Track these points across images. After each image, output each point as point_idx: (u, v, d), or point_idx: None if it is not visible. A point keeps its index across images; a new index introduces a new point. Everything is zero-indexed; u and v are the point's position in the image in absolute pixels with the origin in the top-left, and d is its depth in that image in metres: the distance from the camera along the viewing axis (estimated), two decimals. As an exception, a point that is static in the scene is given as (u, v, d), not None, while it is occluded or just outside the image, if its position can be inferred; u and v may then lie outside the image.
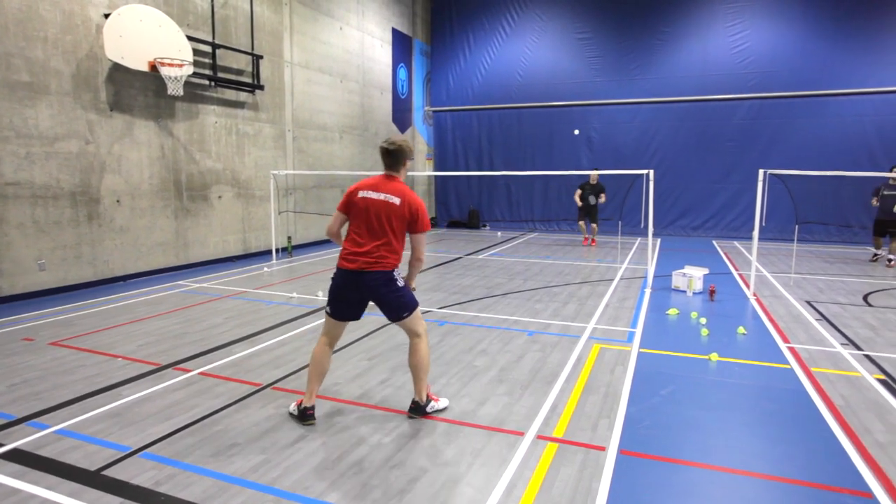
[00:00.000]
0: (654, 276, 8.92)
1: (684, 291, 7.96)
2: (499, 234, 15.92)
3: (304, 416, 3.76)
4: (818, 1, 13.79)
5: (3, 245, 7.12)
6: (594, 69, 15.96)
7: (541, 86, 16.52)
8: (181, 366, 4.92)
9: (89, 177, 8.09)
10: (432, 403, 3.94)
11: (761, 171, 7.67)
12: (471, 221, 17.45)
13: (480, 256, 11.61)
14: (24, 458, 3.31)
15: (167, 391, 4.35)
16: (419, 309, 3.86)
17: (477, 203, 17.79)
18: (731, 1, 14.52)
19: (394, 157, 3.79)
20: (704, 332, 5.98)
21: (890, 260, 10.40)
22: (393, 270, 3.68)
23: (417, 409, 3.90)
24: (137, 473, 3.15)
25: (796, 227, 10.59)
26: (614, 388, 4.44)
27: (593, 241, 13.41)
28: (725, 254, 12.05)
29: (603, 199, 12.97)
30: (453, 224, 17.83)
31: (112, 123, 8.37)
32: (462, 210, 18.03)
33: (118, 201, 8.52)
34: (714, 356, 5.15)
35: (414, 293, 3.90)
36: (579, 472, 3.19)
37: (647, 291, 8.03)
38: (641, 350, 5.40)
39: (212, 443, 3.52)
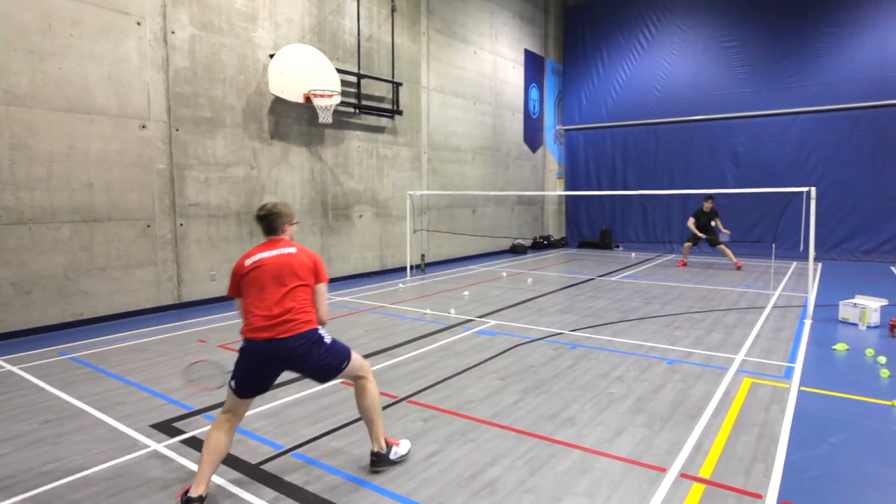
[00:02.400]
0: (816, 306, 7.95)
1: (856, 324, 7.00)
2: (633, 255, 15.22)
3: (383, 460, 3.43)
4: None
5: (185, 258, 8.22)
6: (741, 79, 14.80)
7: (680, 100, 15.66)
8: (326, 373, 5.29)
9: (252, 198, 9.09)
10: (395, 449, 3.49)
11: (958, 188, 6.56)
12: (603, 242, 16.89)
13: (614, 278, 11.17)
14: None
15: (316, 396, 4.70)
16: (355, 352, 3.46)
17: (609, 223, 17.19)
18: (913, -7, 12.73)
19: (268, 222, 3.39)
20: (885, 372, 5.20)
21: None
22: (317, 328, 3.27)
23: (381, 460, 3.42)
24: (289, 471, 3.44)
25: None
26: (770, 429, 4.01)
27: (738, 263, 12.36)
28: (908, 282, 10.42)
29: (721, 226, 12.44)
30: (584, 244, 17.38)
31: (272, 150, 9.35)
32: (594, 230, 17.53)
33: (275, 220, 9.45)
34: (897, 402, 4.45)
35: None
36: (732, 520, 2.91)
37: (807, 322, 7.18)
38: (803, 388, 4.83)
39: (355, 449, 3.73)
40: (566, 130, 17.97)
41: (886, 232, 13.38)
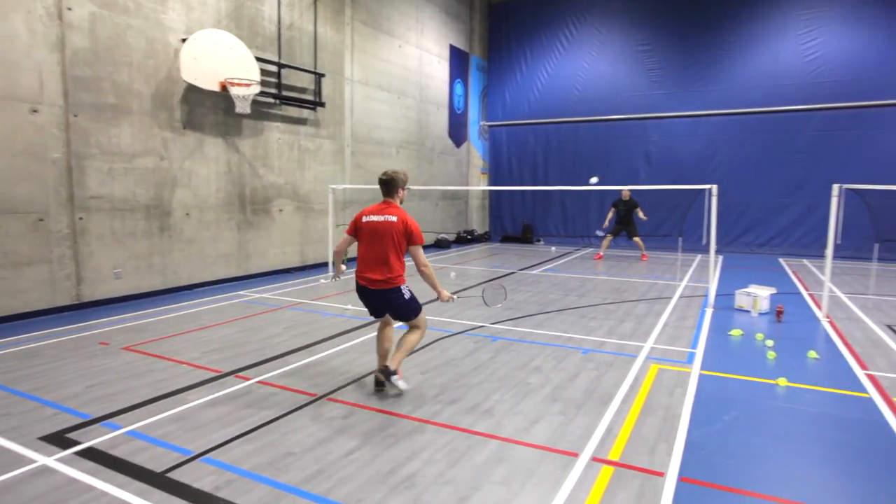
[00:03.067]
0: (717, 295, 8.56)
1: (749, 311, 7.60)
2: (553, 249, 15.73)
3: (387, 374, 4.44)
4: (899, 6, 13.00)
5: (85, 254, 7.64)
6: (654, 82, 15.63)
7: (599, 99, 16.32)
8: (241, 374, 5.10)
9: (162, 191, 8.58)
10: (396, 377, 4.45)
11: (836, 186, 7.26)
12: (524, 236, 17.33)
13: (534, 272, 11.50)
14: (98, 457, 3.51)
15: (228, 398, 4.52)
16: (424, 312, 4.65)
17: (531, 218, 17.66)
18: (804, 8, 13.92)
19: (388, 186, 4.48)
20: (771, 355, 5.68)
21: None
22: (399, 286, 4.40)
23: (384, 373, 4.47)
24: (199, 477, 3.28)
25: (876, 245, 9.94)
26: (674, 410, 4.27)
27: (644, 256, 13.18)
28: (794, 273, 11.43)
29: (641, 214, 13.13)
30: (507, 239, 17.76)
31: (184, 141, 8.86)
32: (516, 225, 17.94)
33: (187, 214, 8.99)
34: (782, 381, 4.87)
35: (444, 296, 4.55)
36: (637, 498, 3.08)
37: (709, 311, 7.72)
38: (702, 372, 5.19)
39: (269, 451, 3.62)
40: (490, 126, 18.26)
41: (776, 227, 14.61)
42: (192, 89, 8.80)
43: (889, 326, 6.96)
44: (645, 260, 13.08)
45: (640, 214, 13.18)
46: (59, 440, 3.76)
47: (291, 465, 3.44)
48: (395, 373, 4.43)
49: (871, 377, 5.08)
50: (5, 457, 3.53)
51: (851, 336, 6.49)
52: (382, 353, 4.65)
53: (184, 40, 8.55)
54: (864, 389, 4.78)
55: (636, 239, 13.34)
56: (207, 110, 9.19)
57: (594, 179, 11.35)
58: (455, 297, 4.71)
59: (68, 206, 7.41)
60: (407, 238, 4.38)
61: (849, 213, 8.98)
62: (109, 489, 3.15)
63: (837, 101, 13.62)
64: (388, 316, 4.64)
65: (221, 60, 8.88)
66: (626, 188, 12.80)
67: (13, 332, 6.48)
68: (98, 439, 3.76)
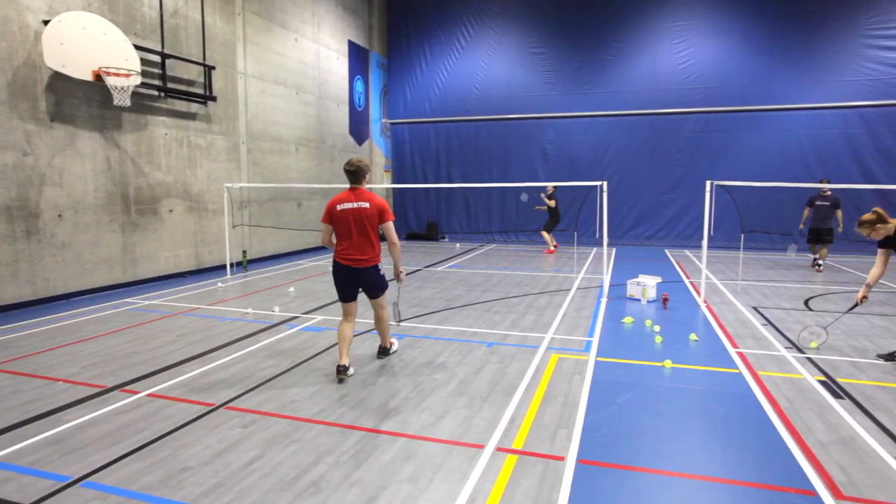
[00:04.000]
0: (610, 286, 9.11)
1: (639, 300, 8.16)
2: (457, 245, 15.98)
3: (342, 370, 4.84)
4: (758, 22, 14.53)
5: (-68, 263, 6.68)
6: (549, 83, 16.32)
7: (497, 99, 16.77)
8: (129, 387, 4.71)
9: (27, 190, 7.70)
10: (392, 347, 5.56)
11: (708, 183, 7.97)
12: (429, 233, 17.45)
13: (439, 268, 11.62)
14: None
15: (113, 414, 4.15)
16: (386, 291, 5.24)
17: (435, 215, 17.83)
18: (676, 19, 15.15)
19: (356, 175, 4.96)
20: (658, 339, 6.14)
21: (819, 265, 10.97)
22: (378, 264, 5.01)
23: (385, 352, 5.50)
24: (79, 504, 2.98)
25: (742, 235, 11.06)
26: (572, 397, 4.49)
27: (550, 249, 14.05)
28: (677, 262, 12.43)
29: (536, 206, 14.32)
30: (412, 236, 17.80)
31: (53, 134, 8.01)
32: (420, 222, 18.04)
33: (60, 216, 8.14)
34: (668, 363, 5.28)
35: (401, 277, 5.23)
36: (539, 483, 3.20)
37: (604, 301, 8.20)
38: (598, 359, 5.49)
39: (161, 468, 3.37)
40: (392, 124, 18.19)
41: (661, 220, 15.83)
42: (59, 77, 7.97)
43: (755, 308, 7.77)
44: (548, 253, 13.74)
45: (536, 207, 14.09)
46: None
47: (187, 480, 3.22)
48: (389, 346, 5.52)
49: (740, 354, 5.64)
50: None
51: (725, 318, 7.17)
52: (345, 347, 4.91)
53: (46, 22, 7.71)
54: (734, 366, 5.30)
55: (543, 232, 14.38)
56: (79, 101, 8.36)
57: (524, 197, 12.31)
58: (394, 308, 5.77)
59: None
60: (380, 217, 4.89)
61: (720, 208, 9.90)
62: (-34, 528, 2.78)
63: (708, 106, 14.99)
64: (352, 306, 5.05)
65: (94, 47, 8.11)
66: (550, 184, 13.25)
67: None
68: (-48, 473, 3.31)
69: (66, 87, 8.13)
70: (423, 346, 5.93)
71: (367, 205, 4.87)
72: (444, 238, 17.55)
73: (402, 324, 6.70)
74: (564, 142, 16.37)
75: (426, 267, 11.76)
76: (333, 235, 5.01)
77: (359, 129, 16.86)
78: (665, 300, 7.89)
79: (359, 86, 16.76)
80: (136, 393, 4.58)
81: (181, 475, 3.28)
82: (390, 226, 4.99)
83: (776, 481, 3.23)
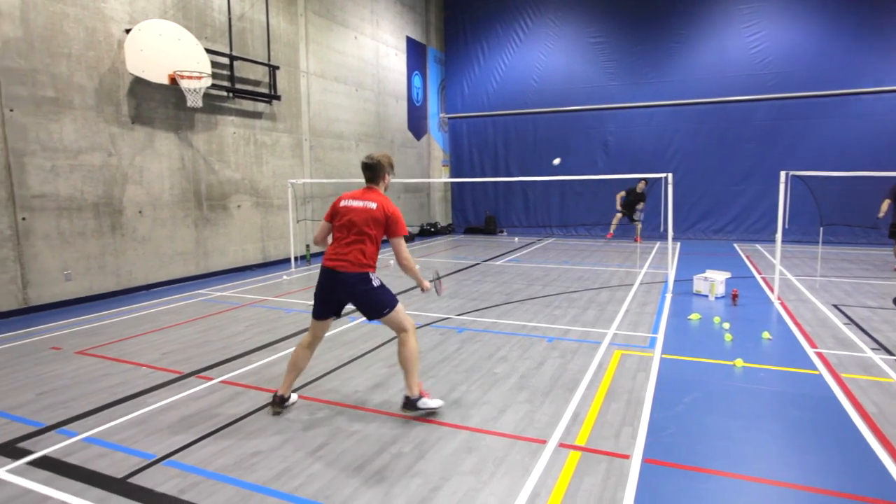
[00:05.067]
0: (675, 281, 8.80)
1: (706, 296, 7.84)
2: (516, 239, 15.87)
3: (278, 402, 4.07)
4: (838, -1, 13.58)
5: (30, 256, 7.27)
6: (609, 73, 15.89)
7: (556, 91, 16.49)
8: (203, 374, 4.96)
9: (112, 188, 8.24)
10: (424, 399, 4.00)
11: (783, 173, 7.55)
12: (487, 227, 17.42)
13: (498, 262, 11.58)
14: (52, 466, 3.36)
15: (190, 399, 4.39)
16: (401, 306, 4.03)
17: (494, 209, 17.76)
18: (747, 1, 14.37)
19: (373, 171, 4.10)
20: (728, 337, 5.88)
21: None
22: (367, 272, 3.91)
23: (409, 405, 4.03)
24: (162, 481, 3.18)
25: (821, 229, 10.40)
26: (637, 394, 4.37)
27: (638, 238, 14.29)
28: (747, 257, 11.86)
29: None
30: (470, 230, 17.82)
31: (134, 136, 8.52)
32: (479, 216, 18.02)
33: (140, 212, 8.67)
34: (739, 362, 5.05)
35: (425, 287, 4.17)
36: (603, 482, 3.14)
37: (668, 296, 7.93)
38: (664, 356, 5.33)
39: (234, 451, 3.54)
40: (450, 118, 18.24)
41: (730, 213, 15.13)
42: (139, 82, 8.46)
43: (835, 306, 7.31)
44: (639, 242, 13.97)
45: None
46: (10, 451, 3.58)
47: (258, 464, 3.37)
48: (418, 398, 3.98)
49: (819, 355, 5.32)
50: (-51, 471, 3.34)
51: (801, 316, 6.78)
52: (291, 376, 4.08)
53: (128, 31, 8.20)
54: (813, 367, 5.00)
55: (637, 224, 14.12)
56: (157, 104, 8.86)
57: (557, 161, 11.52)
58: (432, 285, 4.36)
59: (9, 205, 7.03)
60: (385, 228, 3.95)
61: (796, 200, 9.35)
62: (66, 497, 3.02)
63: (782, 92, 14.16)
64: (319, 326, 4.10)
65: (169, 52, 8.56)
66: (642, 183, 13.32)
67: (-47, 340, 6.13)
68: (52, 447, 3.60)
69: (145, 91, 8.63)
70: (484, 339, 5.94)
71: (373, 206, 3.94)
72: (502, 232, 17.46)
73: (461, 316, 6.73)
74: (626, 133, 15.91)
75: (485, 261, 11.74)
76: (330, 237, 4.10)
77: (417, 124, 17.01)
78: (735, 296, 7.54)
79: (417, 81, 16.89)
80: (210, 380, 4.82)
81: (253, 458, 3.44)
82: (399, 242, 3.94)
83: (866, 492, 3.03)
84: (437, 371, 4.97)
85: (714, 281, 7.80)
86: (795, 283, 8.91)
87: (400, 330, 3.99)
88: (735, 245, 13.93)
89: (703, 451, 3.49)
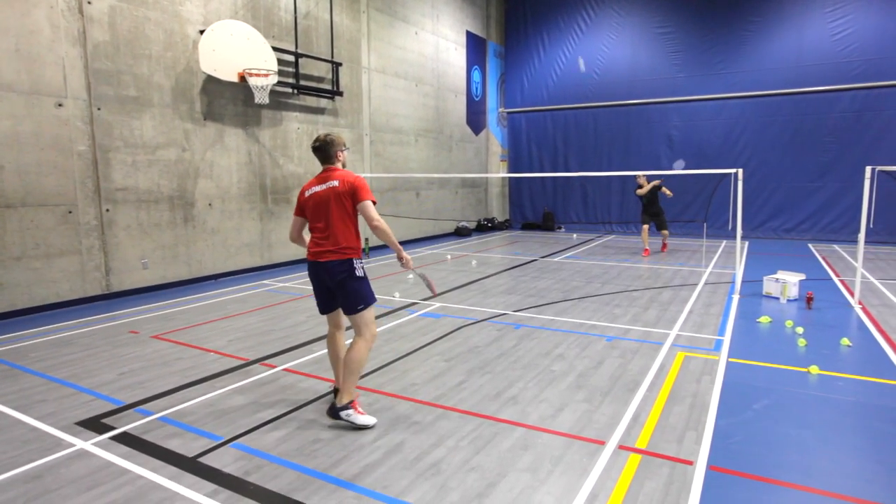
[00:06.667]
0: (743, 282, 8.40)
1: (777, 298, 7.44)
2: (574, 236, 15.59)
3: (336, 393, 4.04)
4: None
5: (113, 245, 7.77)
6: (675, 65, 15.30)
7: (618, 84, 16.04)
8: (267, 361, 5.16)
9: (185, 182, 8.67)
10: (351, 412, 3.73)
11: (869, 168, 7.04)
12: (545, 223, 17.19)
13: (556, 259, 11.41)
14: (132, 442, 3.59)
15: (255, 385, 4.57)
16: (374, 308, 3.89)
17: (552, 205, 17.51)
18: (830, -14, 13.47)
19: (324, 152, 3.94)
20: (802, 342, 5.56)
21: None
22: (351, 258, 3.79)
23: (332, 411, 3.83)
24: (229, 462, 3.33)
25: (908, 229, 9.65)
26: (701, 399, 4.21)
27: (647, 251, 11.90)
28: (824, 258, 11.16)
29: (666, 191, 11.81)
30: (527, 226, 17.64)
31: (205, 132, 8.93)
32: (536, 212, 17.81)
33: (210, 204, 9.08)
34: (814, 369, 4.77)
35: (406, 261, 3.95)
36: (666, 487, 3.04)
37: (735, 297, 7.58)
38: (730, 360, 5.10)
39: (296, 437, 3.65)
40: (509, 113, 18.09)
41: (805, 211, 14.27)
42: (211, 80, 8.85)
43: (924, 312, 6.77)
44: (647, 255, 11.69)
45: (666, 191, 11.79)
46: (94, 425, 3.85)
47: (319, 451, 3.47)
48: (348, 406, 3.73)
49: (906, 364, 4.95)
50: (45, 441, 3.63)
51: (886, 323, 6.32)
52: (337, 368, 4.11)
53: (202, 32, 8.58)
54: (899, 376, 4.66)
55: (665, 232, 12.09)
56: (227, 101, 9.24)
57: (679, 163, 10.28)
58: (419, 277, 4.22)
59: (95, 198, 7.53)
60: (352, 196, 3.78)
61: (882, 197, 8.71)
62: (144, 472, 3.21)
63: (867, 81, 13.20)
64: (333, 316, 4.06)
65: (239, 51, 8.90)
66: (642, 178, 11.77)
67: (47, 321, 6.64)
68: (131, 424, 3.84)
69: (216, 89, 9.01)
70: (541, 336, 5.87)
71: (336, 183, 3.80)
72: (560, 228, 17.19)
73: (518, 313, 6.68)
74: (692, 127, 15.28)
75: (542, 258, 11.60)
76: (306, 230, 4.03)
77: (476, 118, 16.98)
78: (809, 299, 7.11)
79: (476, 76, 16.84)
80: (274, 367, 5.00)
81: (314, 445, 3.54)
82: (367, 205, 3.77)
83: (954, 512, 2.80)
84: (494, 367, 4.96)
85: (786, 282, 7.39)
86: (879, 286, 8.31)
87: (362, 331, 3.81)
88: (810, 245, 13.14)
89: (774, 461, 3.32)
